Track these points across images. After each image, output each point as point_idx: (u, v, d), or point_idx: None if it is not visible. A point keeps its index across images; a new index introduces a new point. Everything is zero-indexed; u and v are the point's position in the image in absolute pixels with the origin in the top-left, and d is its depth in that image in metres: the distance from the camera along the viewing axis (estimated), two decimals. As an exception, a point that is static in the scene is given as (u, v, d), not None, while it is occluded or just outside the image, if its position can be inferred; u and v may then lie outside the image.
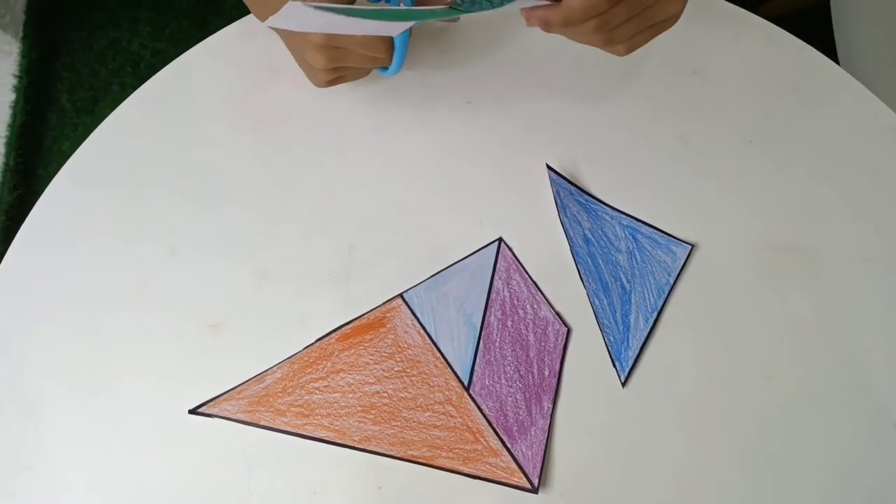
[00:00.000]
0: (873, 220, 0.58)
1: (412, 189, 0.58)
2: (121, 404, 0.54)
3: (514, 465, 0.52)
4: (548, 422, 0.53)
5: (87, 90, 1.49)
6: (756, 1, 1.47)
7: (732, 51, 0.62)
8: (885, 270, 0.57)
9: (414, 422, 0.53)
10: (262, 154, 0.60)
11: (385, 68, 0.55)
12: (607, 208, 0.57)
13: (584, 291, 0.56)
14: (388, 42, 0.53)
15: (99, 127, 0.60)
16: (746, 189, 0.58)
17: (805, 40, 0.62)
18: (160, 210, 0.58)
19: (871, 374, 0.55)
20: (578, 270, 0.56)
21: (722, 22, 0.63)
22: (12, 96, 1.46)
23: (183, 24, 1.49)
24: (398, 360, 0.55)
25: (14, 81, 1.47)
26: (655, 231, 0.57)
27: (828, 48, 0.94)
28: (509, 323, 0.55)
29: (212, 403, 0.54)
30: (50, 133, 1.47)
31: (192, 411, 0.54)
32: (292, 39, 0.56)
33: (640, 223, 0.57)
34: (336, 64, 0.52)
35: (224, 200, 0.59)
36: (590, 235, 0.57)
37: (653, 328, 0.55)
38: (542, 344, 0.55)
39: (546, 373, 0.54)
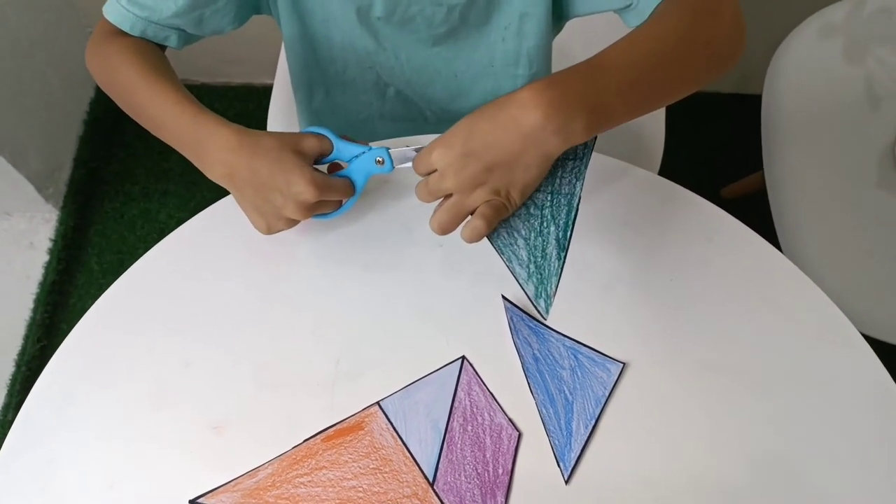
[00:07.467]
0: (782, 348, 0.68)
1: (392, 314, 0.69)
2: (132, 494, 0.62)
3: (471, 552, 0.60)
4: (501, 514, 0.61)
5: (115, 254, 1.59)
6: (715, 186, 1.66)
7: (655, 210, 0.76)
8: (791, 386, 0.67)
9: (385, 514, 0.61)
10: (268, 285, 0.71)
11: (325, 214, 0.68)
12: (553, 332, 0.68)
13: (534, 401, 0.65)
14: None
15: (136, 264, 0.72)
16: (668, 317, 0.69)
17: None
18: (179, 329, 0.69)
19: (798, 470, 0.63)
20: (529, 384, 0.66)
21: (651, 190, 0.77)
22: (46, 258, 1.56)
23: (207, 196, 1.63)
24: (373, 458, 0.63)
25: (49, 245, 1.57)
26: (593, 351, 0.67)
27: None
28: (469, 428, 0.64)
29: (210, 494, 0.62)
30: (76, 291, 1.55)
31: (192, 501, 0.61)
32: (264, 195, 0.63)
33: (580, 345, 0.67)
34: (310, 215, 0.64)
35: (232, 321, 0.69)
36: (538, 354, 0.67)
37: (591, 433, 0.63)
38: (497, 446, 0.63)
39: (500, 471, 0.62)
